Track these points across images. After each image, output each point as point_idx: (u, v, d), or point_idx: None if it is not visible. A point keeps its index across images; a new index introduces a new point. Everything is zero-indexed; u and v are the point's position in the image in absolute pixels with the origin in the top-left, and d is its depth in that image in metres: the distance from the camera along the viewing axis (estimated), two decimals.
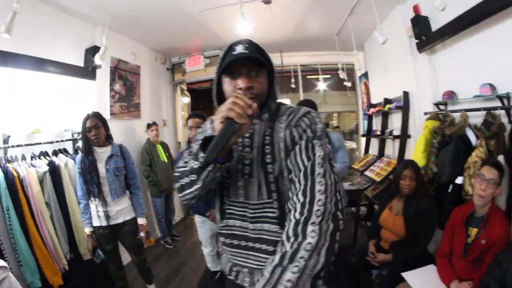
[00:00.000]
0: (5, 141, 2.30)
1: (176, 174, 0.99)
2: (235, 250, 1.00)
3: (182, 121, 5.21)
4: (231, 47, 0.90)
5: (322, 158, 0.86)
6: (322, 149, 0.87)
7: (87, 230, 2.22)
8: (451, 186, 2.23)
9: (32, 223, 2.12)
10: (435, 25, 2.67)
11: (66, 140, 2.79)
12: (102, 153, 2.26)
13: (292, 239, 0.78)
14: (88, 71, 3.10)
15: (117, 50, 3.52)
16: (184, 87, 5.30)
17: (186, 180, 0.94)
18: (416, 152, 2.69)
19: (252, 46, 0.90)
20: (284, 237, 0.80)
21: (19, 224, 2.03)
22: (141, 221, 2.39)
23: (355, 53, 4.29)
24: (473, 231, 1.73)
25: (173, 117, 5.15)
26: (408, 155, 3.07)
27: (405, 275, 1.89)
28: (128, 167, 2.38)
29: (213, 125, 0.87)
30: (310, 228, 0.77)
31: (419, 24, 2.77)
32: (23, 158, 2.35)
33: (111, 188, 2.24)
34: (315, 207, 0.79)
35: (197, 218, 2.64)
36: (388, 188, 3.19)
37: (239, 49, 0.87)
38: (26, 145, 2.35)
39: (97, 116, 2.25)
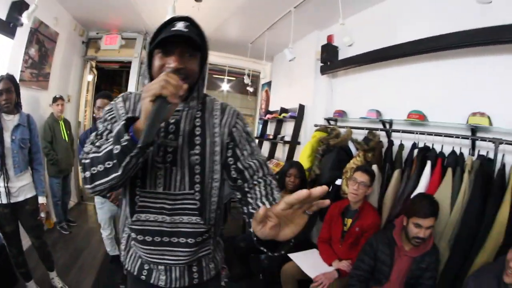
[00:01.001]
0: None
1: (86, 161, 0.82)
2: (149, 248, 0.92)
3: (86, 99, 4.89)
4: (171, 22, 0.86)
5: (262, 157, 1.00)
6: (258, 150, 1.01)
7: None
8: (331, 187, 2.68)
9: None
10: (342, 55, 3.18)
11: None
12: (9, 121, 2.03)
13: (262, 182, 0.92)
14: (8, 27, 2.69)
15: (42, 11, 3.08)
16: (94, 64, 4.98)
17: (99, 168, 0.79)
18: (302, 156, 3.10)
19: (193, 26, 0.88)
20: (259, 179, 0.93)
21: None
22: (41, 200, 2.21)
23: (263, 63, 4.62)
24: (349, 221, 2.12)
25: (78, 94, 4.69)
26: (296, 159, 3.45)
27: (291, 255, 2.13)
28: (33, 139, 2.18)
29: (136, 101, 0.91)
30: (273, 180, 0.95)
31: (328, 51, 3.26)
32: None
33: (15, 161, 2.03)
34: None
35: (97, 199, 2.57)
36: None
37: (180, 25, 0.84)
38: None
39: (11, 79, 2.05)
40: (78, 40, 4.42)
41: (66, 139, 3.63)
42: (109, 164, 0.77)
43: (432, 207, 1.59)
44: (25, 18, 2.59)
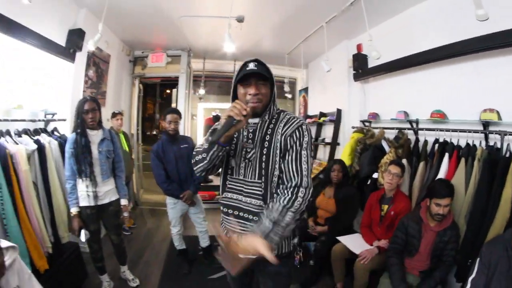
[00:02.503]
0: None
1: (194, 152, 1.30)
2: (230, 218, 1.33)
3: (136, 113, 5.37)
4: (246, 64, 1.24)
5: (307, 169, 1.21)
6: (306, 161, 1.21)
7: (74, 210, 2.24)
8: (369, 180, 3.11)
9: (21, 203, 2.01)
10: (371, 62, 3.56)
11: (42, 120, 2.76)
12: (94, 136, 2.32)
13: (289, 195, 1.14)
14: (69, 52, 3.03)
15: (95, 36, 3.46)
16: (139, 79, 5.38)
17: (199, 156, 1.26)
18: (343, 155, 3.56)
19: (260, 64, 1.24)
20: (281, 194, 1.17)
21: (11, 204, 1.90)
22: (124, 202, 2.52)
23: (299, 70, 5.01)
24: (385, 207, 2.56)
25: (129, 108, 5.23)
26: (338, 158, 3.87)
27: (340, 238, 2.61)
28: (116, 151, 2.48)
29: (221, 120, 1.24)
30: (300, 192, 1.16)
31: (359, 59, 3.66)
32: (8, 133, 2.20)
33: (103, 169, 2.34)
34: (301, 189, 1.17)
35: (169, 200, 2.87)
36: (318, 184, 4.02)
37: (251, 66, 1.22)
38: (12, 120, 2.30)
39: (94, 100, 2.34)
40: (126, 59, 4.90)
41: (127, 149, 3.96)
42: (204, 154, 1.24)
43: (448, 189, 1.99)
44: (91, 45, 2.86)
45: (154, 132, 8.73)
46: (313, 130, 4.97)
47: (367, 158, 3.18)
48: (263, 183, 1.26)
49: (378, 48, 2.86)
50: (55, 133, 2.78)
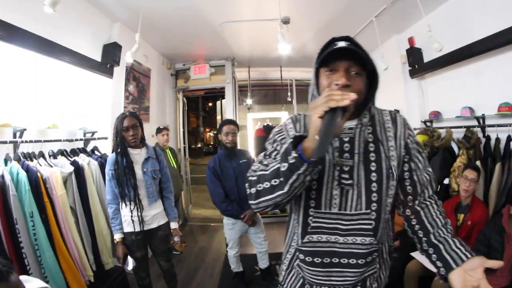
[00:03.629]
0: (17, 134, 2.01)
1: (252, 178, 0.88)
2: (317, 269, 0.91)
3: (183, 127, 5.35)
4: (332, 42, 0.88)
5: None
6: (427, 162, 0.99)
7: (118, 236, 2.04)
8: (439, 186, 2.74)
9: (57, 231, 1.88)
10: (426, 56, 3.25)
11: (82, 139, 2.65)
12: (136, 155, 2.11)
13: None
14: (106, 67, 2.94)
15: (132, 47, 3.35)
16: (181, 94, 5.36)
17: (265, 185, 0.83)
18: None
19: (354, 43, 0.86)
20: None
21: (45, 233, 1.78)
22: (174, 225, 2.29)
23: None
24: (461, 216, 2.26)
25: (175, 122, 5.16)
26: None
27: (414, 254, 2.30)
28: (163, 170, 2.26)
29: (306, 122, 0.92)
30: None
31: (414, 54, 3.35)
32: (41, 155, 2.10)
33: (149, 191, 2.11)
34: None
35: (227, 221, 2.69)
36: None
37: (341, 44, 0.84)
38: (45, 141, 2.14)
39: (135, 115, 2.13)
40: (167, 73, 4.79)
41: (175, 166, 3.74)
42: (275, 181, 0.80)
43: None
44: (129, 57, 2.75)
45: (199, 145, 8.91)
46: None
47: (437, 162, 2.85)
48: (374, 213, 0.88)
49: (436, 39, 2.54)
50: (96, 152, 2.66)
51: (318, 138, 0.72)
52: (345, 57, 0.83)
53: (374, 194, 0.88)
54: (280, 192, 0.80)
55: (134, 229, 2.05)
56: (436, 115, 3.19)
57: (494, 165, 2.31)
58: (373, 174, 0.89)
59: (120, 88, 3.28)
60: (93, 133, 2.77)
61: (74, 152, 2.41)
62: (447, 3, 2.90)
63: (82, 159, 2.35)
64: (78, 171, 2.20)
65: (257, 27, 3.30)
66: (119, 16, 3.09)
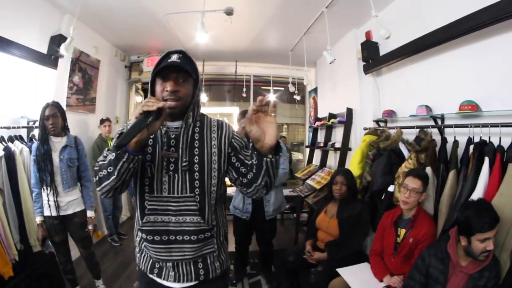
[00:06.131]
0: None
1: (96, 168, 1.02)
2: (158, 246, 1.07)
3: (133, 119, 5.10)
4: (168, 55, 1.06)
5: None
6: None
7: (38, 219, 2.20)
8: (384, 194, 2.47)
9: None
10: (383, 51, 2.97)
11: (22, 127, 2.73)
12: (57, 143, 2.27)
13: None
14: (50, 59, 3.01)
15: (81, 42, 3.48)
16: (139, 86, 5.33)
17: (104, 172, 0.98)
18: (353, 162, 2.93)
19: (184, 57, 1.06)
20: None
21: None
22: (90, 213, 2.40)
23: (306, 69, 4.53)
24: (402, 231, 1.93)
25: (126, 115, 5.07)
26: (348, 166, 3.27)
27: (340, 270, 2.01)
28: (81, 159, 2.40)
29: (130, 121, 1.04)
30: None
31: (368, 48, 3.08)
32: None
33: (63, 178, 2.25)
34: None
35: None
36: (319, 200, 3.44)
37: (174, 57, 1.03)
38: None
39: (56, 105, 2.28)
40: (120, 64, 4.79)
41: None
42: (110, 169, 0.96)
43: (494, 213, 1.36)
44: (63, 50, 2.82)
45: None
46: (322, 134, 4.39)
47: (380, 166, 2.53)
48: (197, 196, 1.06)
49: (389, 29, 2.28)
50: (33, 140, 2.67)
51: (125, 132, 0.92)
52: (175, 69, 1.03)
53: (197, 181, 1.06)
54: (113, 177, 0.96)
55: (51, 213, 2.22)
56: (389, 114, 2.90)
57: (447, 172, 1.95)
58: (196, 165, 1.07)
59: (64, 78, 3.33)
60: (34, 121, 2.78)
61: (11, 139, 2.52)
62: None
63: (16, 145, 2.45)
64: (9, 156, 2.30)
65: (205, 19, 3.03)
66: (67, 8, 3.05)
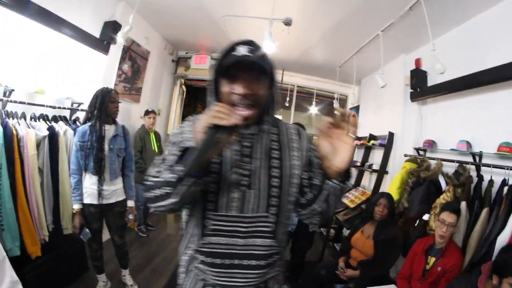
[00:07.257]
0: (6, 94, 2.07)
1: (149, 183, 0.85)
2: (218, 270, 0.89)
3: (175, 114, 5.25)
4: (233, 47, 0.85)
5: None
6: None
7: (76, 207, 2.12)
8: (418, 221, 2.54)
9: (22, 187, 1.96)
10: (431, 81, 3.03)
11: (67, 108, 2.64)
12: (107, 131, 2.17)
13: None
14: (102, 44, 3.02)
15: (133, 31, 3.31)
16: (183, 81, 5.27)
17: (159, 191, 0.81)
18: (392, 187, 3.01)
19: (257, 49, 0.85)
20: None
21: (9, 185, 1.87)
22: (130, 203, 2.38)
23: (351, 87, 4.62)
24: (432, 259, 2.02)
25: (168, 108, 5.14)
26: (383, 189, 3.36)
27: None
28: (128, 149, 2.35)
29: (194, 133, 0.81)
30: None
31: (417, 76, 3.13)
32: (23, 116, 2.16)
33: (112, 168, 2.21)
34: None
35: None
36: (358, 215, 3.51)
37: (242, 50, 0.82)
38: (28, 103, 2.18)
39: (116, 91, 2.28)
40: (168, 58, 4.78)
41: (156, 150, 3.74)
42: (168, 190, 0.79)
43: None
44: (120, 37, 2.76)
45: None
46: (360, 154, 4.45)
47: (419, 194, 2.61)
48: (273, 216, 0.89)
49: (442, 62, 2.35)
50: (77, 123, 2.66)
51: (193, 154, 0.74)
52: (246, 64, 0.81)
53: (275, 199, 0.89)
54: (173, 200, 0.80)
55: (93, 201, 2.14)
56: (430, 144, 2.96)
57: (481, 209, 2.03)
58: (275, 180, 0.90)
59: (114, 65, 3.32)
60: (79, 104, 2.77)
61: (55, 119, 2.45)
62: (459, 27, 2.73)
63: (60, 126, 2.38)
64: (53, 136, 2.25)
65: (260, 26, 3.17)
66: None
